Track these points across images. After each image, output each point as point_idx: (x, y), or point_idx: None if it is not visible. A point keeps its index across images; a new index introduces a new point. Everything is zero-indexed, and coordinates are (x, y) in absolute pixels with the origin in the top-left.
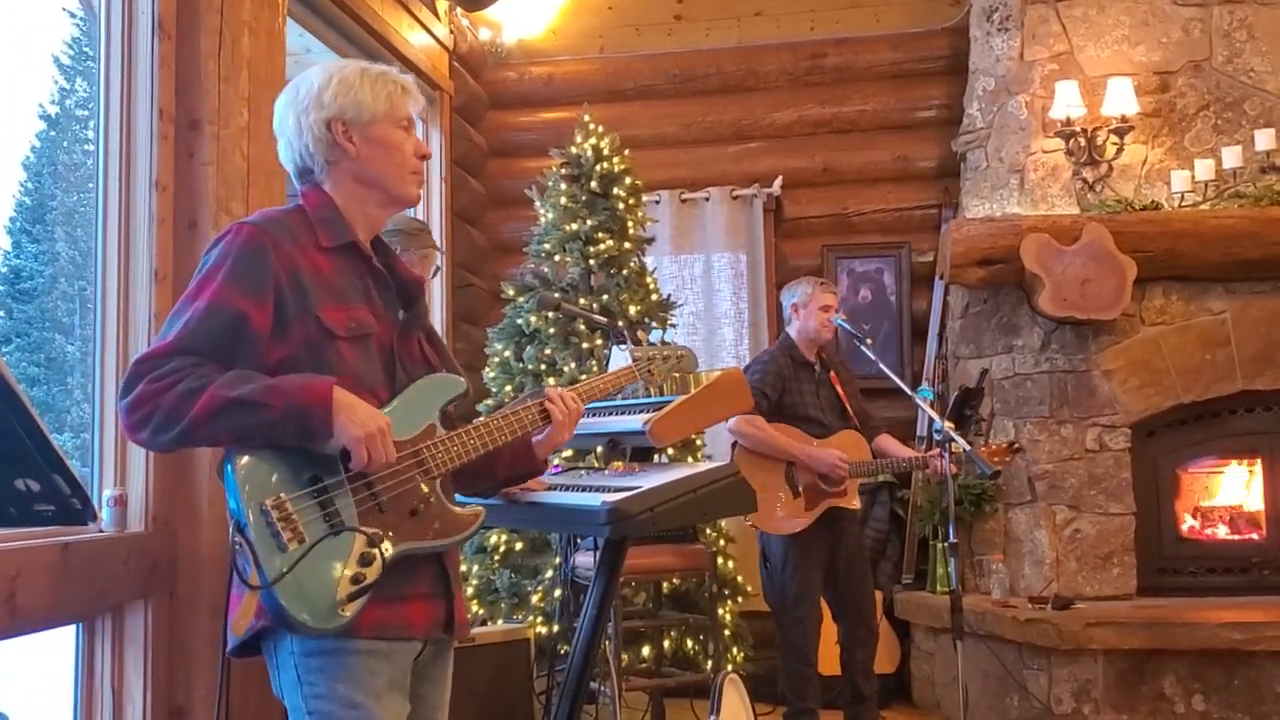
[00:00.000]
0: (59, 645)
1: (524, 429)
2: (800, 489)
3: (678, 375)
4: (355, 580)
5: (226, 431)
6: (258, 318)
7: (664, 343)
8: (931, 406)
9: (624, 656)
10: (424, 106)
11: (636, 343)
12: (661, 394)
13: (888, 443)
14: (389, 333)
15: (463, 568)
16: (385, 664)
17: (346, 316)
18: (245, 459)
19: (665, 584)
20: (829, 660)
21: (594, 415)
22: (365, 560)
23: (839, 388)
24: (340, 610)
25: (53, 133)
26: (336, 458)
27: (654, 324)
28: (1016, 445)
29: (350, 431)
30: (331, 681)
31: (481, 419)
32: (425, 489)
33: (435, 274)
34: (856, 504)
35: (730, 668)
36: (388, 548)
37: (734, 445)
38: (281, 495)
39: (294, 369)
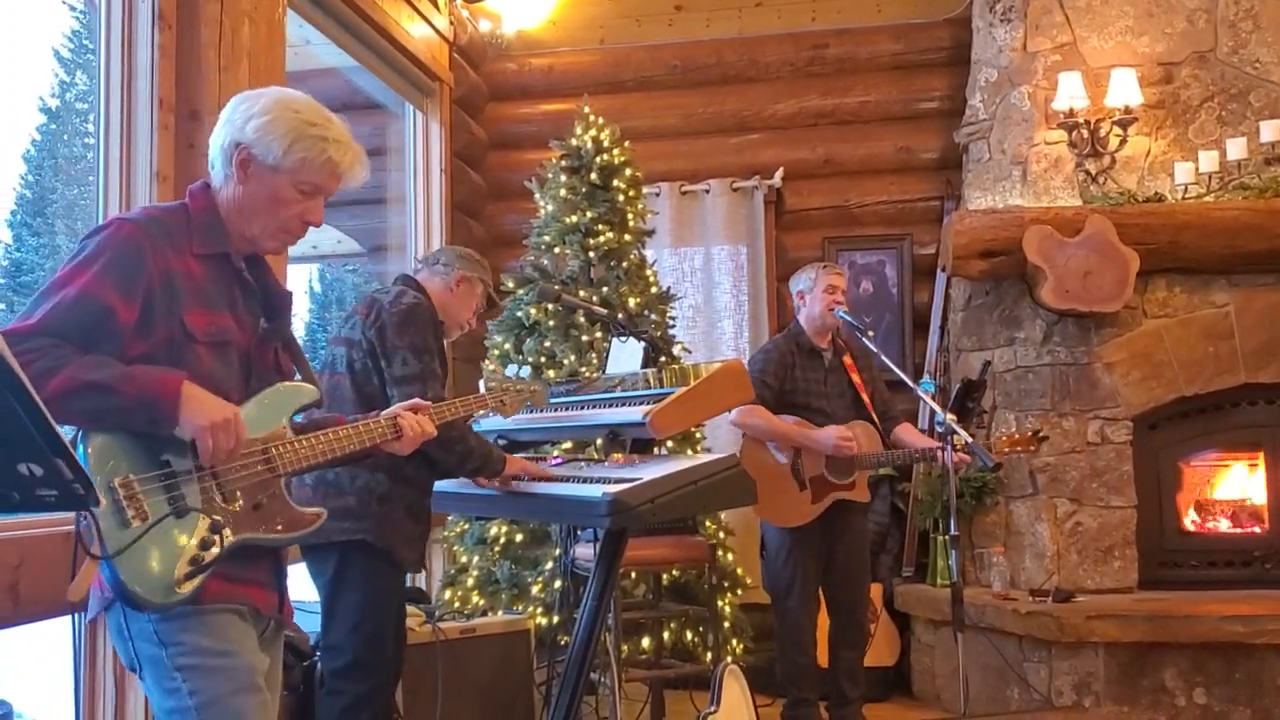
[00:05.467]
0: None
1: (373, 440)
2: (806, 480)
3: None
4: (194, 561)
5: (80, 412)
6: (124, 313)
7: (519, 378)
8: (933, 399)
9: (624, 648)
10: (361, 181)
11: (638, 336)
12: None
13: (907, 432)
14: (248, 340)
15: (463, 559)
16: (239, 620)
17: (209, 322)
18: (99, 439)
19: (665, 575)
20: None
21: (594, 408)
22: (205, 544)
23: (854, 375)
24: (177, 587)
25: (53, 126)
26: (188, 446)
27: (654, 316)
28: (1042, 434)
29: (195, 421)
30: (195, 637)
31: (335, 428)
32: (270, 486)
33: (484, 305)
34: (866, 497)
35: (730, 659)
36: (229, 535)
37: (744, 435)
38: (130, 476)
39: (153, 364)
